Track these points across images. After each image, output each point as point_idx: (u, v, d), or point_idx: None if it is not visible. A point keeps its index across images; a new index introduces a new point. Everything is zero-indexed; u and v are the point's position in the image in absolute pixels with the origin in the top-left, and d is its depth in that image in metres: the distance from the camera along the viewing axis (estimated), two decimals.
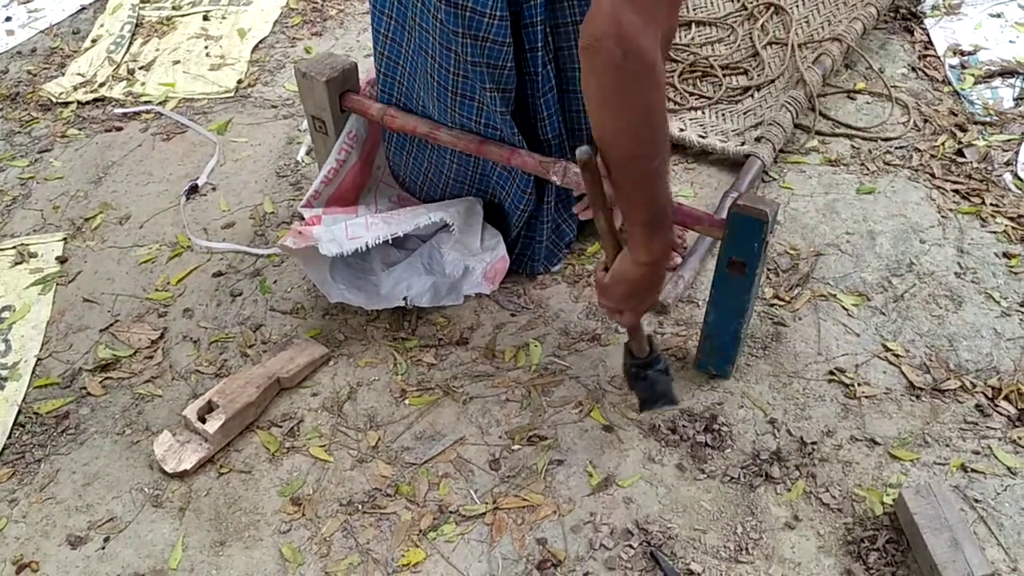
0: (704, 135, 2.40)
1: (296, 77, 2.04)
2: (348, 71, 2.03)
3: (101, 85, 3.00)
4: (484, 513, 1.65)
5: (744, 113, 2.46)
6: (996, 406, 1.77)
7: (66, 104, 2.94)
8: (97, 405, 1.93)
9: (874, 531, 1.56)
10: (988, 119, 2.44)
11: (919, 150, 2.36)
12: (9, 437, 1.87)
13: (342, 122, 2.07)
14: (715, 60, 2.61)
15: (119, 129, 2.79)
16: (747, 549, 1.57)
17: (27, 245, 2.36)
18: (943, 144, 2.37)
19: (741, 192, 2.16)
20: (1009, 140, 2.37)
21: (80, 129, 2.82)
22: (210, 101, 2.88)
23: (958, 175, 2.27)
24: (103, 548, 1.66)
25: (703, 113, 2.49)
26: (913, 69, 2.66)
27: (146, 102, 2.90)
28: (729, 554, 1.56)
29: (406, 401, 1.87)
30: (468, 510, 1.66)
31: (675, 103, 2.53)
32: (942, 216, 2.17)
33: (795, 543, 1.57)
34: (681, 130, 2.42)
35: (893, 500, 1.60)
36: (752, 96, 2.51)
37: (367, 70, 2.11)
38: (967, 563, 1.44)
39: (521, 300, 2.06)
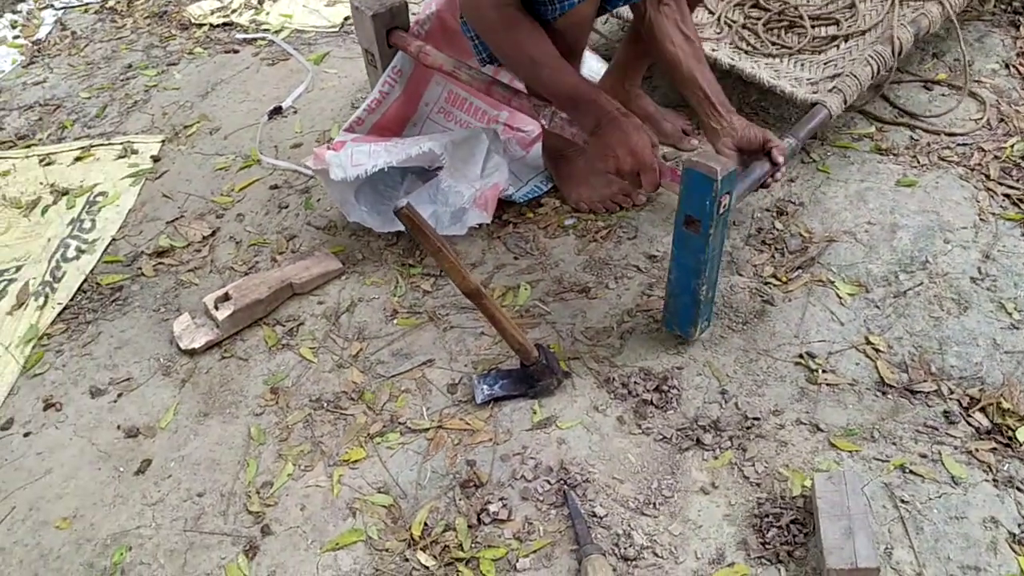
0: (776, 77, 2.27)
1: (351, 10, 2.21)
2: (396, 8, 2.17)
3: (233, 11, 3.31)
4: (428, 429, 1.79)
5: (825, 64, 2.30)
6: (969, 416, 1.69)
7: (200, 26, 3.27)
8: (146, 284, 2.21)
9: (783, 510, 1.57)
10: None
11: (983, 149, 2.22)
12: (72, 299, 2.18)
13: (389, 57, 2.23)
14: (806, 10, 2.45)
15: (236, 52, 3.09)
16: (655, 504, 1.61)
17: (132, 143, 2.69)
18: (1011, 147, 2.21)
19: (799, 139, 2.03)
20: None
21: (205, 48, 3.13)
22: (317, 34, 3.12)
23: (1016, 179, 2.12)
24: (115, 402, 1.94)
25: (780, 60, 2.35)
26: (1007, 66, 2.47)
27: (264, 30, 3.17)
28: (637, 505, 1.62)
29: (395, 321, 2.02)
30: (415, 424, 1.80)
31: (753, 48, 2.40)
32: (981, 219, 2.05)
33: (703, 507, 1.60)
34: (753, 69, 2.29)
35: None
36: (837, 47, 2.34)
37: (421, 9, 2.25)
38: (855, 553, 1.43)
39: (528, 246, 2.15)
